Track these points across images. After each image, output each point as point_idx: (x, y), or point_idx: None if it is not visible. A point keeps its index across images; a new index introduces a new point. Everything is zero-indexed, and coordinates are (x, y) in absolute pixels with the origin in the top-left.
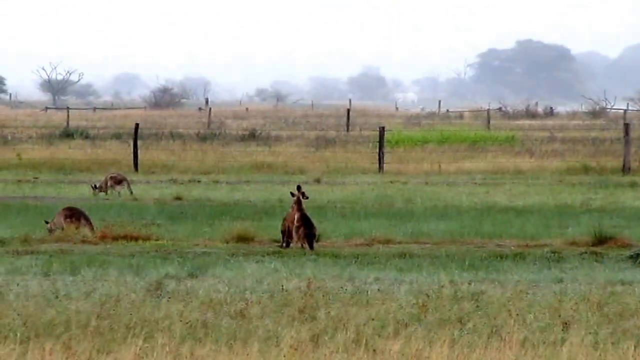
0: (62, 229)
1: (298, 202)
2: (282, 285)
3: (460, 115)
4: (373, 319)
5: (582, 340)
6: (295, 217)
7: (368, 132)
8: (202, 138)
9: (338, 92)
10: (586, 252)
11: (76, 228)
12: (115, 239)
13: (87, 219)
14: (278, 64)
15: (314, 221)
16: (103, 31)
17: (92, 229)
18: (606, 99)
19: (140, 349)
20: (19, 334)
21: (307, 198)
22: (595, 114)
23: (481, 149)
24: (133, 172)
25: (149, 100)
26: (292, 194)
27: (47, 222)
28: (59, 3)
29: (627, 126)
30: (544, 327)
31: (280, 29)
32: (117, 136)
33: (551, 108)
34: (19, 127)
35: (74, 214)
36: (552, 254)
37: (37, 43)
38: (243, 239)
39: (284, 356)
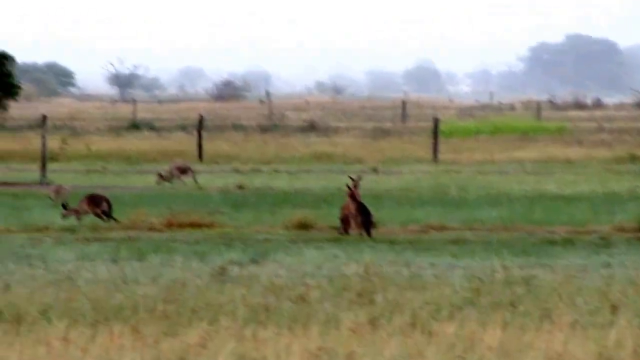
0: (85, 213)
1: (355, 192)
2: (341, 271)
3: (512, 107)
4: (428, 303)
5: (630, 323)
6: (353, 205)
7: (423, 123)
8: (264, 129)
9: (394, 84)
10: (633, 238)
11: (95, 212)
12: (181, 226)
13: (108, 204)
14: (336, 57)
15: (371, 209)
16: (169, 26)
17: (108, 214)
18: None
19: (205, 332)
20: (88, 318)
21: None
22: None
23: (532, 139)
24: (197, 162)
25: (213, 93)
26: (349, 187)
27: (64, 207)
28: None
29: None
30: (592, 310)
31: (338, 24)
32: (182, 128)
33: (599, 100)
34: (87, 120)
35: (96, 199)
36: (601, 240)
37: (105, 38)
38: (303, 226)
39: (343, 338)
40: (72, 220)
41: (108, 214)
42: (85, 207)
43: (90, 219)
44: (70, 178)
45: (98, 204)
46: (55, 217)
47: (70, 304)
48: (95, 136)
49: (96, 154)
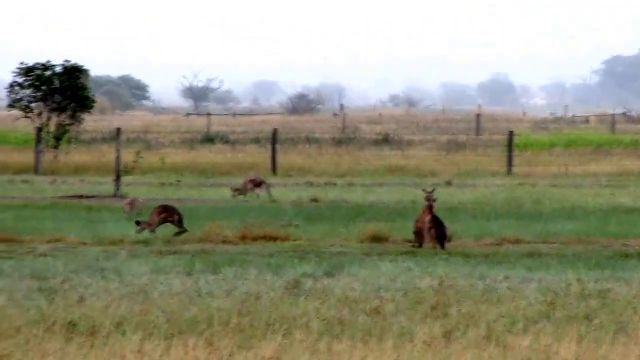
0: (157, 225)
1: (429, 206)
2: (416, 284)
3: (586, 120)
4: (503, 316)
5: None
6: (427, 218)
7: (497, 137)
8: (338, 142)
9: (468, 97)
10: None
11: (167, 220)
12: (255, 239)
13: (179, 216)
14: (410, 70)
15: (446, 222)
16: (244, 40)
17: (181, 226)
18: None
19: (279, 345)
20: (163, 331)
21: (434, 200)
22: None
23: (606, 152)
24: (271, 176)
25: (287, 106)
26: (427, 199)
27: (138, 224)
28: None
29: None
30: None
31: (413, 37)
32: (256, 141)
33: None
34: (162, 133)
35: (168, 211)
36: None
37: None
38: (377, 239)
39: (418, 352)
40: (146, 234)
41: (180, 225)
42: (156, 218)
43: (165, 231)
44: (145, 191)
45: (170, 214)
46: (129, 230)
47: (145, 317)
48: (169, 149)
49: (171, 167)
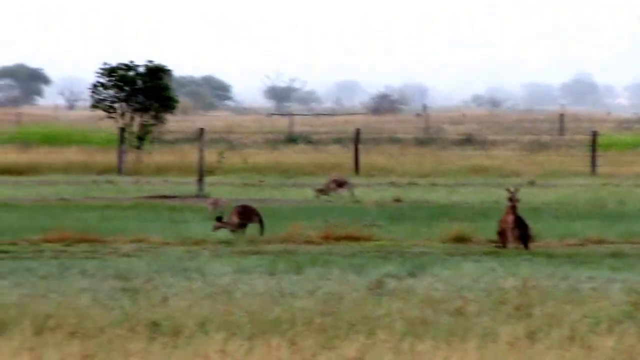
0: (235, 226)
1: (512, 206)
2: (499, 284)
3: None
4: (587, 317)
5: None
6: (510, 218)
7: (580, 137)
8: (420, 142)
9: (550, 98)
10: None
11: (245, 224)
12: (338, 239)
13: (259, 217)
14: (493, 71)
15: (529, 222)
16: (326, 40)
17: (262, 227)
18: None
19: (362, 345)
20: (246, 331)
21: (517, 200)
22: None
23: None
24: (354, 176)
25: (369, 106)
26: (510, 199)
27: (218, 219)
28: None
29: None
30: None
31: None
32: (339, 141)
33: None
34: (244, 133)
35: (247, 211)
36: None
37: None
38: (460, 239)
39: (501, 352)
40: (228, 233)
41: (260, 225)
42: (235, 218)
43: (247, 231)
44: (227, 191)
45: (249, 216)
46: (212, 230)
47: (228, 316)
48: (252, 149)
49: (253, 167)
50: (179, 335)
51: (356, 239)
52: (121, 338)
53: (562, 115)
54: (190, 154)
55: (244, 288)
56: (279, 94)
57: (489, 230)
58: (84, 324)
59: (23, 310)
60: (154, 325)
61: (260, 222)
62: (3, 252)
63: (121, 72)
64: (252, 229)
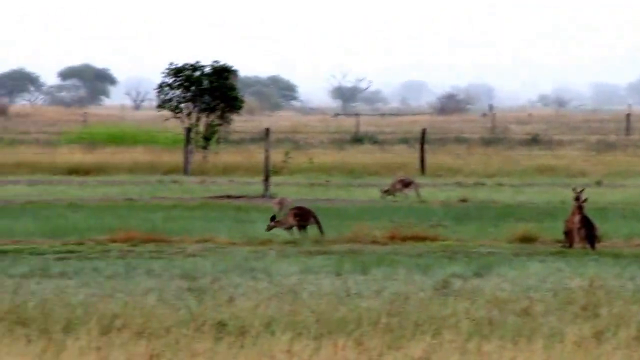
0: (289, 227)
1: (579, 206)
2: (565, 284)
3: None
4: None
5: None
6: (577, 219)
7: None
8: (486, 142)
9: (617, 97)
10: None
11: (301, 225)
12: (404, 239)
13: (315, 219)
14: (558, 70)
15: (596, 222)
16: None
17: (320, 228)
18: None
19: (428, 345)
20: (312, 331)
21: (584, 200)
22: None
23: None
24: (420, 176)
25: (435, 106)
26: (577, 199)
27: (272, 219)
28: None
29: None
30: None
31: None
32: (405, 141)
33: None
34: (310, 133)
35: (303, 213)
36: None
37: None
38: (526, 239)
39: (567, 352)
40: (294, 234)
41: (319, 226)
42: (291, 219)
43: (313, 232)
44: (293, 191)
45: (305, 217)
46: (279, 230)
47: (294, 316)
48: (317, 149)
49: (319, 167)
50: (245, 335)
51: (422, 239)
52: (187, 338)
53: (628, 115)
54: (256, 154)
55: (310, 288)
56: (345, 94)
57: (556, 230)
58: (150, 324)
59: (90, 310)
60: (220, 325)
61: (318, 223)
62: (70, 252)
63: (187, 73)
64: (312, 230)
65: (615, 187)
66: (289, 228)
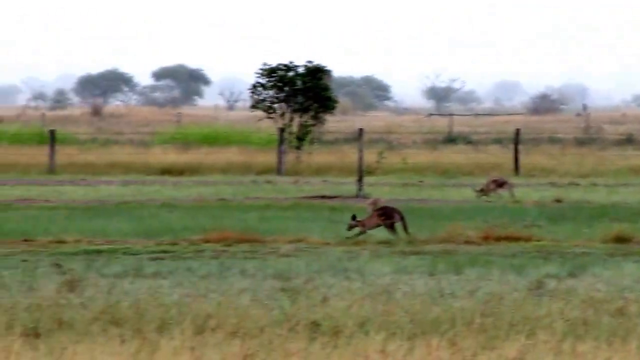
0: (372, 227)
1: None
2: None
3: None
4: None
5: None
6: None
7: None
8: (580, 142)
9: None
10: None
11: (386, 224)
12: (497, 239)
13: (400, 215)
14: None
15: None
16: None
17: (404, 225)
18: None
19: (522, 346)
20: (406, 331)
21: None
22: None
23: None
24: (514, 176)
25: (529, 106)
26: None
27: (353, 218)
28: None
29: None
30: None
31: None
32: (498, 141)
33: None
34: (403, 133)
35: (387, 211)
36: None
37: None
38: (621, 239)
39: None
40: (388, 234)
41: (404, 226)
42: (375, 219)
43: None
44: (387, 191)
45: (390, 216)
46: (372, 230)
47: (388, 317)
48: (411, 149)
49: (412, 168)
50: (339, 335)
51: (516, 239)
52: (281, 338)
53: None
54: (349, 155)
55: (404, 288)
56: (439, 94)
57: None
58: (244, 324)
59: (184, 310)
60: (314, 325)
61: (403, 221)
62: (164, 252)
63: (281, 73)
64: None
65: None
66: (372, 228)
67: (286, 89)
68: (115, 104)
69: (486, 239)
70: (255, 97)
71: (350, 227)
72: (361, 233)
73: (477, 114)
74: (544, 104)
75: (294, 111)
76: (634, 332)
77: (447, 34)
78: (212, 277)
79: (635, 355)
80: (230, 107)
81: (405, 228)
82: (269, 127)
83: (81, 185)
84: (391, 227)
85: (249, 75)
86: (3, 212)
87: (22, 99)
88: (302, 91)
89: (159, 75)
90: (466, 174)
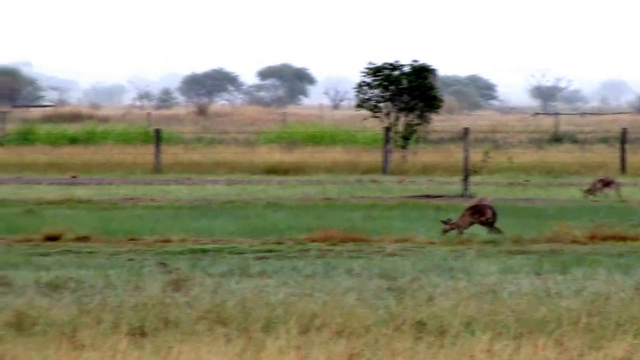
0: (467, 227)
1: None
2: None
3: None
4: None
5: None
6: None
7: None
8: None
9: None
10: None
11: (480, 221)
12: (604, 239)
13: (492, 210)
14: None
15: None
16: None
17: (492, 225)
18: None
19: (630, 346)
20: (512, 331)
21: None
22: None
23: None
24: (620, 175)
25: (635, 105)
26: None
27: (445, 222)
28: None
29: None
30: None
31: None
32: (604, 140)
33: None
34: (509, 132)
35: (479, 208)
36: None
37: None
38: None
39: None
40: (492, 234)
41: (492, 224)
42: (468, 218)
43: (515, 231)
44: (492, 191)
45: (482, 212)
46: (478, 229)
47: (494, 316)
48: (517, 149)
49: (518, 167)
50: (444, 335)
51: (623, 238)
52: (387, 337)
53: None
54: (455, 154)
55: (510, 288)
56: (545, 93)
57: None
58: (349, 323)
59: (289, 309)
60: (420, 325)
61: (494, 216)
62: (269, 251)
63: (386, 72)
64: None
65: None
66: (466, 228)
67: (392, 88)
68: (220, 103)
69: (593, 238)
70: (361, 96)
71: (445, 231)
72: (459, 234)
73: (583, 113)
74: None
75: (400, 110)
76: None
77: (553, 33)
78: (317, 276)
79: None
80: (336, 107)
81: (492, 224)
82: (374, 126)
83: (187, 185)
84: (487, 224)
85: (354, 74)
86: (109, 211)
87: (127, 99)
88: (407, 90)
89: (265, 74)
90: (572, 173)
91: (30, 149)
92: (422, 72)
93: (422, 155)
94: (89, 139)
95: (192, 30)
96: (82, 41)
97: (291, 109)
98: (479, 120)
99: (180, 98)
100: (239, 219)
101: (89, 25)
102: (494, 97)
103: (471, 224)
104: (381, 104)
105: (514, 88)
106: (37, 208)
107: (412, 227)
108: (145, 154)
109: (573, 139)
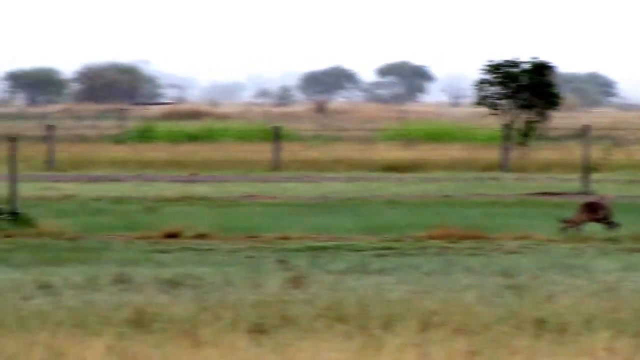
0: (581, 223)
1: None
2: None
3: None
4: None
5: None
6: None
7: None
8: None
9: None
10: None
11: (593, 219)
12: None
13: (604, 210)
14: None
15: None
16: None
17: (607, 222)
18: None
19: None
20: (633, 329)
21: None
22: None
23: None
24: None
25: None
26: None
27: (564, 221)
28: None
29: None
30: None
31: None
32: None
33: None
34: (629, 129)
35: (593, 206)
36: None
37: None
38: None
39: None
40: (612, 231)
41: (608, 221)
42: (582, 216)
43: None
44: (613, 188)
45: (595, 210)
46: (598, 227)
47: (615, 314)
48: (637, 146)
49: (639, 164)
50: (564, 333)
51: None
52: (506, 335)
53: None
54: (574, 151)
55: (631, 285)
56: None
57: None
58: (469, 321)
59: (408, 307)
60: (540, 322)
61: (606, 218)
62: (388, 248)
63: (506, 69)
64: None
65: None
66: (582, 224)
67: (511, 85)
68: (339, 100)
69: None
70: (480, 93)
71: (563, 229)
72: (577, 231)
73: None
74: None
75: (519, 107)
76: None
77: None
78: (436, 274)
79: None
80: (454, 104)
81: (608, 221)
82: (492, 123)
83: (305, 182)
84: (604, 221)
85: (473, 71)
86: (228, 208)
87: (246, 96)
88: (527, 87)
89: (383, 71)
90: None
91: (150, 146)
92: (541, 69)
93: (541, 152)
94: (207, 137)
95: (311, 28)
96: (200, 39)
97: (410, 106)
98: (599, 117)
99: (299, 96)
100: (357, 216)
101: (208, 23)
102: (614, 94)
103: (585, 221)
104: (500, 101)
105: (635, 85)
106: (156, 205)
107: (532, 224)
108: (264, 151)
109: None
